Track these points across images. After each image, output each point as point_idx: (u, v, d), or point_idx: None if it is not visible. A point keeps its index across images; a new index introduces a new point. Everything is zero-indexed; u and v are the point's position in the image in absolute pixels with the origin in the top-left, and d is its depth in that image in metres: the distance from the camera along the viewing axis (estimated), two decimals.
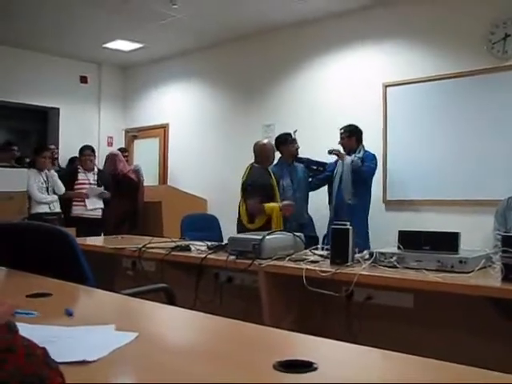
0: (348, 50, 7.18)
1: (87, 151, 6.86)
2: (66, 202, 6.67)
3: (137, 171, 7.69)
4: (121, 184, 6.92)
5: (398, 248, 2.86)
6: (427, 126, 6.35)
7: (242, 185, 5.34)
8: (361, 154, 5.96)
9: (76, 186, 6.71)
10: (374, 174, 6.03)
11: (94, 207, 6.68)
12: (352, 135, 6.05)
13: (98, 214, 6.77)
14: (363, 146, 6.07)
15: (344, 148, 6.09)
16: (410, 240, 2.86)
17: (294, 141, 6.05)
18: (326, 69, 7.41)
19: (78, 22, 7.51)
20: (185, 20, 7.34)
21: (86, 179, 6.69)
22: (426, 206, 6.31)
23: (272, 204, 5.11)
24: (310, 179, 6.24)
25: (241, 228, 5.23)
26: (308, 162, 6.23)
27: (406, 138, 6.51)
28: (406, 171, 6.48)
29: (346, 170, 5.87)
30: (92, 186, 6.76)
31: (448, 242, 2.77)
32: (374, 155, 6.03)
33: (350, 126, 6.12)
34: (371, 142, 6.61)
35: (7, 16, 7.22)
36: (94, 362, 1.15)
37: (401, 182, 6.54)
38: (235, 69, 8.45)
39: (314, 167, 6.24)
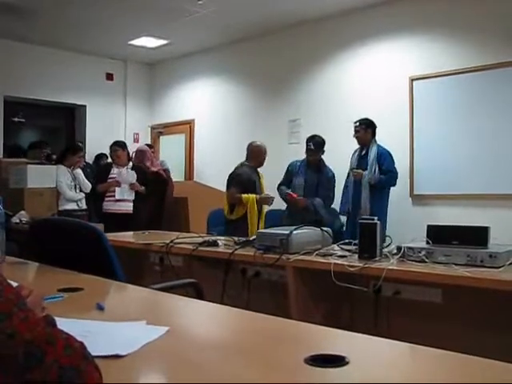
0: (374, 44, 7.13)
1: (114, 147, 6.68)
2: (98, 197, 6.49)
3: (166, 170, 7.67)
4: (149, 181, 6.79)
5: (427, 243, 2.83)
6: (454, 119, 6.29)
7: (228, 178, 5.55)
8: (374, 151, 5.90)
9: (108, 181, 6.48)
10: (395, 180, 5.95)
11: (122, 197, 6.42)
12: (368, 128, 6.00)
13: (129, 208, 6.49)
14: (376, 141, 6.02)
15: (359, 141, 6.06)
16: (439, 234, 2.84)
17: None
18: (352, 63, 7.38)
19: (104, 19, 7.58)
20: (210, 16, 7.36)
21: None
22: (453, 200, 6.24)
23: (249, 194, 5.29)
24: None
25: (224, 219, 5.54)
26: None
27: (433, 131, 6.45)
28: (432, 165, 6.42)
29: (365, 188, 5.83)
30: (122, 171, 6.49)
31: (477, 236, 2.74)
32: (389, 152, 5.94)
33: (365, 119, 6.07)
34: (398, 136, 6.59)
35: (33, 14, 7.31)
36: (126, 356, 1.17)
37: (427, 176, 6.48)
38: (260, 64, 8.45)
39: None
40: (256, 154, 5.63)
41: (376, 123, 6.10)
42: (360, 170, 5.87)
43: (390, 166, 5.89)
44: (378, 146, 5.97)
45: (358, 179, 5.89)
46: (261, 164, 5.69)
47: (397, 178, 5.96)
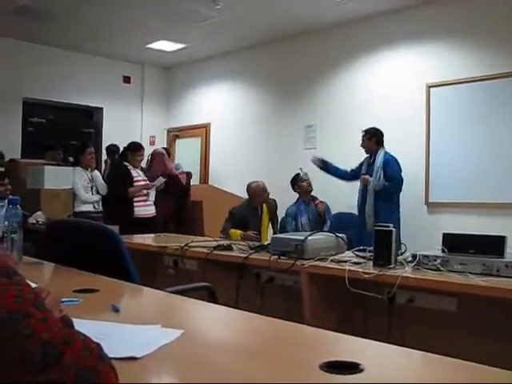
0: (390, 50, 7.11)
1: (142, 150, 6.53)
2: (127, 203, 6.19)
3: (188, 173, 7.71)
4: (169, 184, 6.80)
5: (442, 251, 2.82)
6: (471, 126, 6.24)
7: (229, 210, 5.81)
8: (380, 158, 5.96)
9: (135, 184, 6.29)
10: (400, 187, 5.98)
11: (153, 199, 6.47)
12: (372, 137, 6.09)
13: (153, 211, 6.45)
14: (384, 149, 6.07)
15: (365, 149, 6.17)
16: (455, 243, 2.82)
17: (303, 178, 5.99)
18: (368, 69, 7.36)
19: (122, 23, 7.62)
20: (227, 21, 7.37)
21: (139, 176, 6.40)
22: (469, 209, 6.19)
23: (236, 231, 5.47)
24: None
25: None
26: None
27: (450, 139, 6.41)
28: (448, 173, 6.38)
29: (370, 195, 5.92)
30: (159, 178, 6.60)
31: (494, 245, 2.72)
32: (395, 159, 6.01)
33: (371, 128, 6.17)
34: (414, 144, 6.57)
35: (51, 17, 7.35)
36: (141, 358, 1.18)
37: (443, 183, 6.43)
38: (277, 69, 8.45)
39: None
40: (254, 195, 5.83)
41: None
42: (367, 176, 5.94)
43: (394, 172, 5.94)
44: (386, 153, 6.03)
45: (364, 185, 5.99)
46: (263, 202, 5.89)
47: (401, 184, 5.96)
